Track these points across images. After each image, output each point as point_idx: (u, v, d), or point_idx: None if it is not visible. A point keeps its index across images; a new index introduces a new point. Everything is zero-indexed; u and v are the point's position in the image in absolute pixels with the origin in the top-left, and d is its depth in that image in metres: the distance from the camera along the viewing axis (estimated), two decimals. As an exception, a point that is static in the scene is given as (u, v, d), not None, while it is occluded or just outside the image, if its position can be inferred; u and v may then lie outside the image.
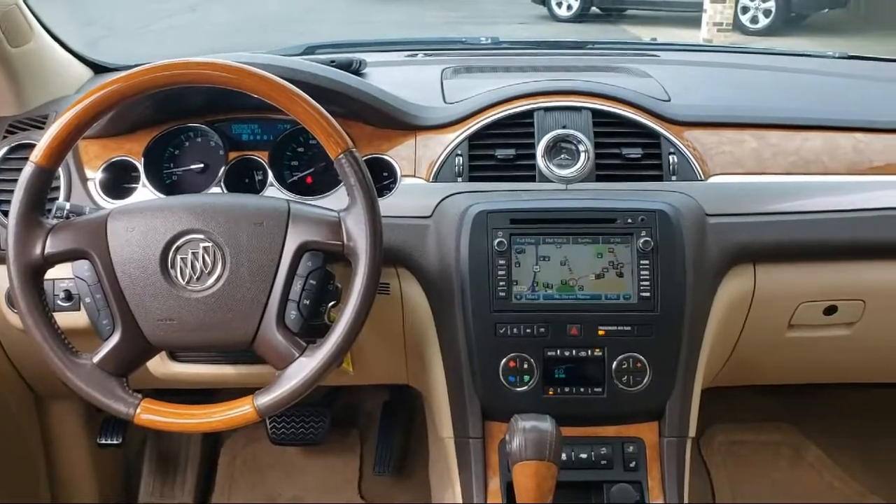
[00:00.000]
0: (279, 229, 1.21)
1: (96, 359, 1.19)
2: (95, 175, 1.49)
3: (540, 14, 12.28)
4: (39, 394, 1.87)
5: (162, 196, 1.46)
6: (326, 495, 2.26)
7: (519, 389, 1.38)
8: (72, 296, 1.37)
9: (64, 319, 1.26)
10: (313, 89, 1.30)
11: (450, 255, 1.39)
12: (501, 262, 1.36)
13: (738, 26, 10.77)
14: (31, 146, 1.25)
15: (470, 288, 1.37)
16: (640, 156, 1.48)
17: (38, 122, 1.55)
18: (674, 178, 1.47)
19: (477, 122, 1.50)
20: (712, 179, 1.48)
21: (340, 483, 2.29)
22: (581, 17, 11.94)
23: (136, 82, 1.16)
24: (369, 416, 2.38)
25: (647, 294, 1.36)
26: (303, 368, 1.18)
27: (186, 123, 1.54)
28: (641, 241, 1.36)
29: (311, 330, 1.24)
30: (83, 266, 1.22)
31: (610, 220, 1.38)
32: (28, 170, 1.16)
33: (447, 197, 1.45)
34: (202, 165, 1.54)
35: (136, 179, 1.50)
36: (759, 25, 11.04)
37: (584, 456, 1.41)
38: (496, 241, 1.36)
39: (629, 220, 1.37)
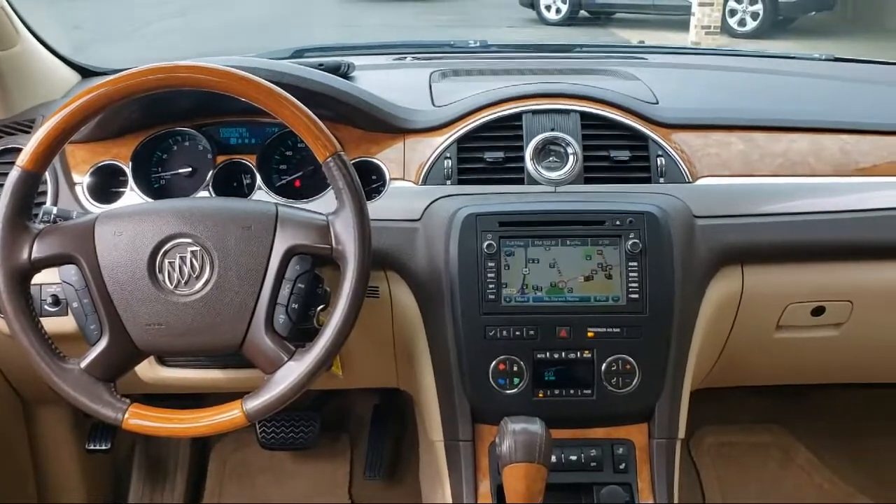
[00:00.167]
0: (267, 233, 1.20)
1: (84, 364, 1.19)
2: (83, 179, 1.48)
3: (529, 17, 12.33)
4: (27, 399, 1.86)
5: (150, 200, 1.46)
6: (316, 500, 2.25)
7: (508, 392, 1.38)
8: (59, 301, 1.37)
9: (51, 324, 1.26)
10: (301, 92, 1.30)
11: (439, 257, 1.39)
12: (491, 264, 1.36)
13: (725, 29, 10.84)
14: (18, 150, 1.25)
15: (459, 291, 1.37)
16: (628, 158, 1.48)
17: (25, 127, 1.54)
18: (662, 180, 1.47)
19: (465, 125, 1.50)
20: (700, 181, 1.49)
21: (331, 487, 2.28)
22: (570, 20, 12.01)
23: (124, 86, 1.15)
24: (359, 420, 2.37)
25: (636, 296, 1.37)
26: (292, 372, 1.18)
27: (174, 127, 1.53)
28: (630, 243, 1.36)
29: (300, 334, 1.24)
30: (70, 271, 1.21)
31: (598, 223, 1.38)
32: (14, 174, 1.16)
33: (436, 200, 1.44)
34: (190, 169, 1.53)
35: (124, 184, 1.49)
36: (747, 28, 11.12)
37: (573, 458, 1.41)
38: (485, 244, 1.36)
39: (617, 223, 1.37)
